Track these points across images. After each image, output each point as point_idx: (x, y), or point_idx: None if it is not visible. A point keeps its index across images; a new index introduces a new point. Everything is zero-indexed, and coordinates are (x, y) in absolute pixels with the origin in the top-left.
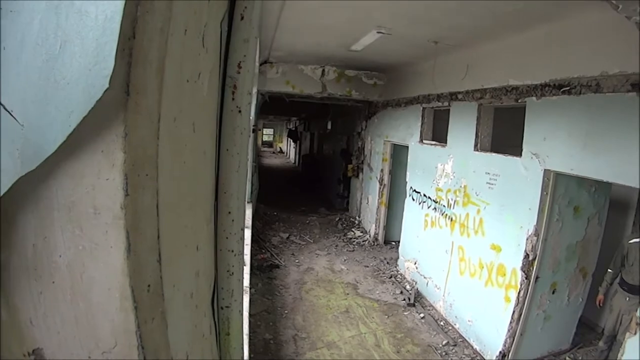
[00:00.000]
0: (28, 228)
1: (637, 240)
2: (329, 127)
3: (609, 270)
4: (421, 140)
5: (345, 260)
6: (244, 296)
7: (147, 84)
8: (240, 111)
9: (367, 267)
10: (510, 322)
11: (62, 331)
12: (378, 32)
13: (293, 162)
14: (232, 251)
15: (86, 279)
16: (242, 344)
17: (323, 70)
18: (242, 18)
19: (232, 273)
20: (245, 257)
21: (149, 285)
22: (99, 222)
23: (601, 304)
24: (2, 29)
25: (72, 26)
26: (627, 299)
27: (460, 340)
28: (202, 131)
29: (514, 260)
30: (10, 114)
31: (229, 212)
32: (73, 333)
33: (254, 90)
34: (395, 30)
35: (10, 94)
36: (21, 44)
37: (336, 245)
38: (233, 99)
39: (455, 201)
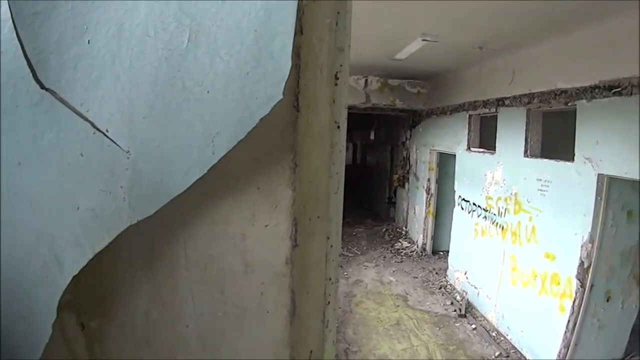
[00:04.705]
0: (138, 291)
1: None
2: (372, 137)
3: None
4: (469, 148)
5: (393, 271)
6: None
7: (319, 97)
8: (339, 127)
9: (416, 278)
10: (565, 332)
11: None
12: (423, 40)
13: None
14: (330, 279)
15: (226, 352)
16: None
17: (366, 80)
18: (335, 24)
19: (329, 302)
20: None
21: (310, 352)
22: (250, 282)
23: None
24: (84, 15)
25: (208, 10)
26: None
27: (513, 351)
28: None
29: (568, 269)
30: (105, 134)
31: (328, 238)
32: None
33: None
34: (440, 37)
35: (102, 105)
36: (117, 37)
37: (384, 257)
38: (331, 113)
39: (506, 209)
